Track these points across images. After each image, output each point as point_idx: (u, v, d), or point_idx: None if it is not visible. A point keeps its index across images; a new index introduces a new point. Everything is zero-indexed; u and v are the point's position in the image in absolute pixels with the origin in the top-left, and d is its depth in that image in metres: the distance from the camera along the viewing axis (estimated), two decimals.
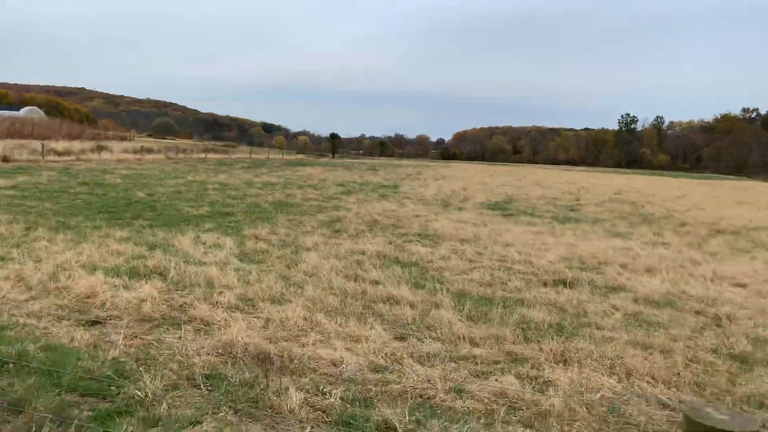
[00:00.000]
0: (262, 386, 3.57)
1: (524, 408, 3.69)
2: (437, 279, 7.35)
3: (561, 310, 6.22)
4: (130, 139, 52.27)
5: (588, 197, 23.26)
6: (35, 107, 64.07)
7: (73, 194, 14.49)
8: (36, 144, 28.25)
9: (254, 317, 5.40)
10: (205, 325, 5.08)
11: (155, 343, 4.51)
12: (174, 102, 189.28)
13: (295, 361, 4.19)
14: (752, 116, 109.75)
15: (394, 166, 50.75)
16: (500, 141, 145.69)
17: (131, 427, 3.05)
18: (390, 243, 9.91)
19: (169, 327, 5.00)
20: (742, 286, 7.82)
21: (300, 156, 65.00)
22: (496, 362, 4.63)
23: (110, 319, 5.09)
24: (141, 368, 3.85)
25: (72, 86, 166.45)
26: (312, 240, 9.73)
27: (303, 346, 4.68)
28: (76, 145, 32.51)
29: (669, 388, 4.13)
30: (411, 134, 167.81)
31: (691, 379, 4.31)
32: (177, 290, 6.19)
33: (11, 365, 3.67)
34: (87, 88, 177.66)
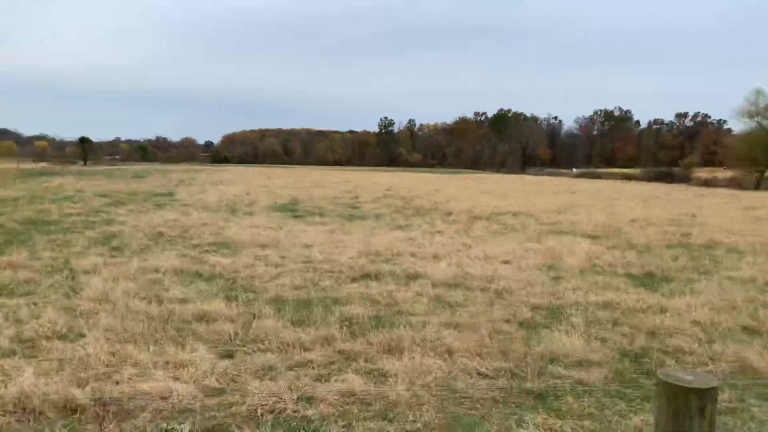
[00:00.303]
0: None
1: (374, 402, 3.82)
2: (248, 288, 7.08)
3: (374, 302, 6.56)
4: None
5: (364, 195, 24.83)
6: None
7: None
8: None
9: (43, 360, 4.50)
10: None
11: None
12: None
13: (115, 403, 3.63)
14: (482, 119, 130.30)
15: (162, 171, 46.88)
16: (272, 143, 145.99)
17: None
18: (184, 256, 9.19)
19: None
20: (508, 262, 9.27)
21: (42, 164, 55.44)
22: (332, 362, 4.69)
23: None
24: None
25: None
26: (89, 261, 8.46)
27: (118, 383, 4.08)
28: None
29: (483, 359, 4.71)
30: (175, 137, 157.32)
31: (498, 348, 4.98)
32: None
33: None
34: None
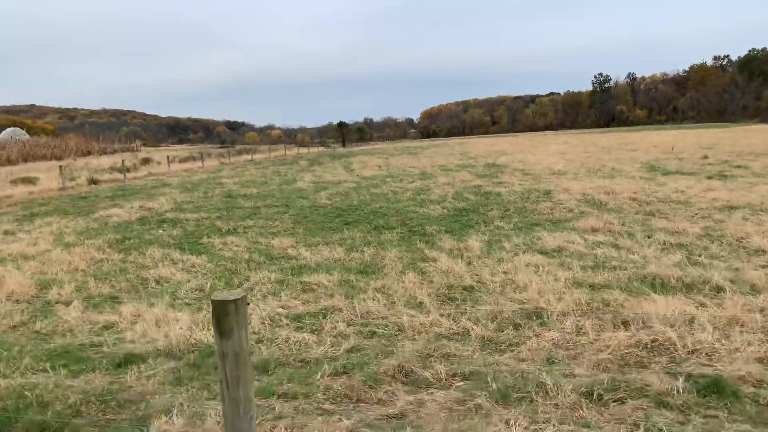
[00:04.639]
0: None
1: None
2: None
3: None
4: (136, 150, 49.31)
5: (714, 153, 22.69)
6: (17, 128, 59.80)
7: (270, 206, 12.72)
8: (80, 162, 25.73)
9: None
10: None
11: None
12: (131, 109, 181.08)
13: None
14: (724, 63, 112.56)
15: (419, 148, 49.62)
16: (477, 113, 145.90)
17: None
18: (702, 219, 8.82)
19: None
20: None
21: (320, 148, 62.56)
22: None
23: None
24: None
25: (20, 104, 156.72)
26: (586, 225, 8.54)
27: None
28: (111, 160, 29.95)
29: None
30: (377, 117, 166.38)
31: None
32: None
33: None
34: (37, 104, 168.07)
